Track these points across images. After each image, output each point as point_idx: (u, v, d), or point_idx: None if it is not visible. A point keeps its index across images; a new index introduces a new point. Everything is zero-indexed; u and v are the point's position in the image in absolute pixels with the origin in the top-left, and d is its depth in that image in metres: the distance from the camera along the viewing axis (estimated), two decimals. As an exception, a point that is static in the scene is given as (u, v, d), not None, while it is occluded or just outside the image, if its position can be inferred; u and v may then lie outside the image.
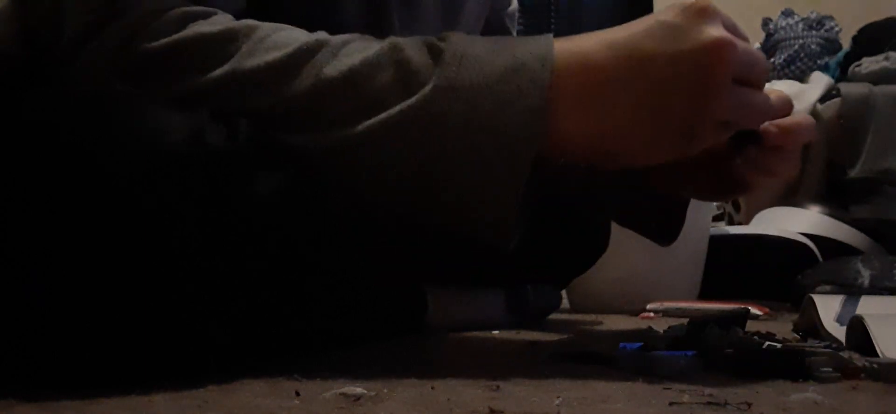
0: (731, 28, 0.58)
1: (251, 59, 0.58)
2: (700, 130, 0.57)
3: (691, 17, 0.56)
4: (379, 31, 0.64)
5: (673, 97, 0.57)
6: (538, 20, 3.26)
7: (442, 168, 0.56)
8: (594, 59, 0.57)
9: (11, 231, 0.50)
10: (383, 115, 0.56)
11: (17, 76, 0.55)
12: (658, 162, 0.61)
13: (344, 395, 0.49)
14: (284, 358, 0.62)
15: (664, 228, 0.80)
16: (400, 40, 0.59)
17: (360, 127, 0.57)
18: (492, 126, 0.55)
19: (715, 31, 0.56)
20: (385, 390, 0.52)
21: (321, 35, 0.60)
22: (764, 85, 0.61)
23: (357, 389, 0.50)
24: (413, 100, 0.56)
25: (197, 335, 0.55)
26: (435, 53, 0.58)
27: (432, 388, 0.53)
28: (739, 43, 0.57)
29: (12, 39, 0.64)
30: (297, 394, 0.50)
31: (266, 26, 0.60)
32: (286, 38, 0.59)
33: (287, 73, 0.58)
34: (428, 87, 0.56)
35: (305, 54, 0.58)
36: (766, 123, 0.65)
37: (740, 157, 0.68)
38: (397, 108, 0.56)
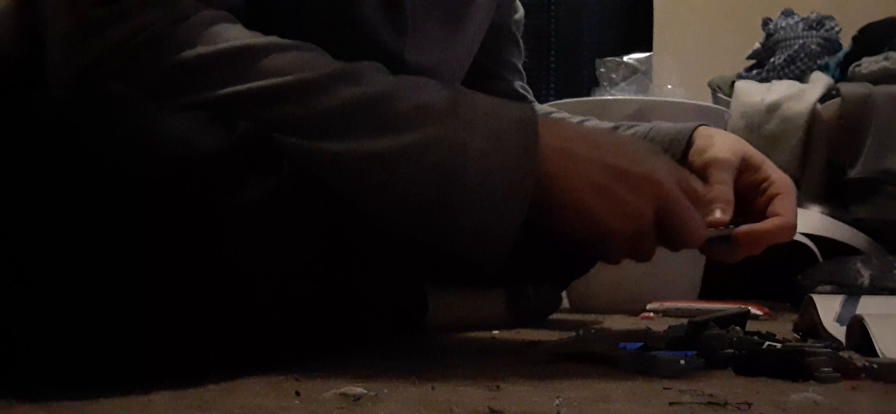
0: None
1: (278, 75, 0.59)
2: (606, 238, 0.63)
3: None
4: (393, 26, 0.65)
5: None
6: (538, 20, 3.26)
7: (457, 193, 0.59)
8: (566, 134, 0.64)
9: (7, 231, 0.50)
10: (407, 136, 0.59)
11: (18, 75, 0.55)
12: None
13: (344, 395, 0.49)
14: (284, 358, 0.62)
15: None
16: (416, 77, 0.63)
17: (384, 144, 0.58)
18: (502, 160, 0.59)
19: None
20: (385, 390, 0.52)
21: (341, 63, 0.62)
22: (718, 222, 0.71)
23: (357, 389, 0.50)
24: (435, 127, 0.59)
25: (196, 335, 0.55)
26: (451, 92, 0.62)
27: (432, 388, 0.53)
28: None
29: (14, 38, 0.64)
30: (297, 394, 0.50)
31: (284, 43, 0.61)
32: (310, 58, 0.61)
33: (317, 90, 0.59)
34: (449, 119, 0.59)
35: (335, 75, 0.60)
36: (743, 228, 0.72)
37: (711, 252, 0.73)
38: (420, 132, 0.59)
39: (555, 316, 1.20)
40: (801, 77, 2.01)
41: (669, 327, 0.78)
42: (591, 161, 0.62)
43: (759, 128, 1.88)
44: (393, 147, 0.59)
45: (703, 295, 1.50)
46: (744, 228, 0.72)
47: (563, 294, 1.35)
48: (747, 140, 1.84)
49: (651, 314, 1.31)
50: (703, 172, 0.76)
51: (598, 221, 0.62)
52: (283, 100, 0.59)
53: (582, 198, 0.62)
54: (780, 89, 1.92)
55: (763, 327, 0.87)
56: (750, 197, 0.78)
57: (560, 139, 0.62)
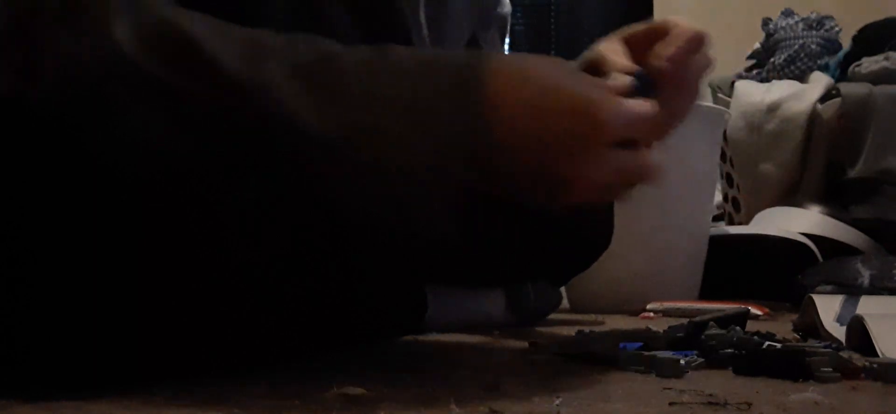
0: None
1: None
2: (569, 188, 0.57)
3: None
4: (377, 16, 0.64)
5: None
6: (538, 20, 3.25)
7: (381, 183, 0.54)
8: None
9: (7, 230, 0.50)
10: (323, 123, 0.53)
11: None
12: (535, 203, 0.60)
13: (344, 395, 0.49)
14: (284, 358, 0.62)
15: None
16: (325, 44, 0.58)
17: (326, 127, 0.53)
18: (430, 138, 0.54)
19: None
20: (385, 390, 0.52)
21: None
22: (654, 138, 0.60)
23: (357, 389, 0.50)
24: (348, 111, 0.54)
25: (196, 335, 0.55)
26: (366, 58, 0.56)
27: (432, 388, 0.53)
28: (620, 104, 0.56)
29: None
30: (298, 394, 0.50)
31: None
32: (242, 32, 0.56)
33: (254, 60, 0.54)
34: (363, 100, 0.54)
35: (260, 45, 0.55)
36: (661, 61, 0.64)
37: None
38: (336, 120, 0.53)
39: (555, 316, 1.20)
40: (801, 77, 2.01)
41: (669, 327, 0.78)
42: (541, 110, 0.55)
43: (759, 128, 1.88)
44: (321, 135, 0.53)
45: (703, 295, 1.49)
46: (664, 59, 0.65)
47: (563, 294, 1.35)
48: (747, 140, 1.82)
49: (651, 314, 1.31)
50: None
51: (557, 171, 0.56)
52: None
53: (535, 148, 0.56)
54: (780, 89, 1.92)
55: (763, 327, 0.87)
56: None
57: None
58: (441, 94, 0.55)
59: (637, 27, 0.69)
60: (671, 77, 0.65)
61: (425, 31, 0.79)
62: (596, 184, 0.57)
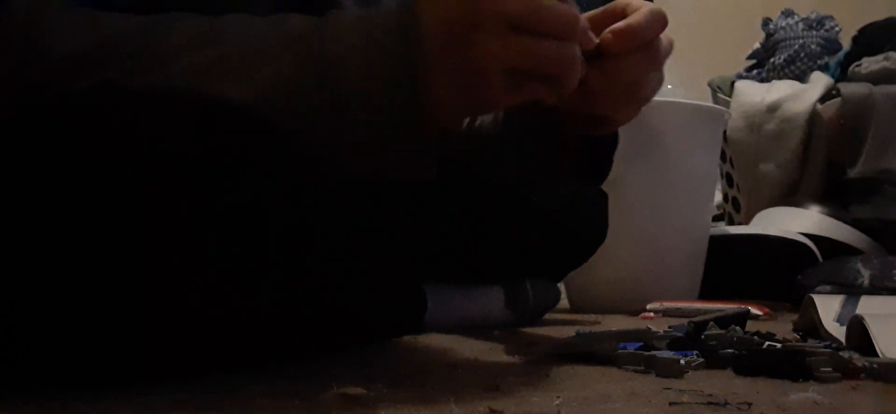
0: None
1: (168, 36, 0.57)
2: (484, 79, 0.57)
3: None
4: None
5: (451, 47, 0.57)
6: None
7: (344, 100, 0.56)
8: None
9: (7, 230, 0.50)
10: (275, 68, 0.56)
11: None
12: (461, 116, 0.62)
13: (344, 395, 0.49)
14: (284, 358, 0.62)
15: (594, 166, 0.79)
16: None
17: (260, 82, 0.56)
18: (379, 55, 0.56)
19: None
20: (385, 390, 0.52)
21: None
22: (568, 34, 0.59)
23: (357, 389, 0.50)
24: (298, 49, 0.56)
25: (196, 335, 0.55)
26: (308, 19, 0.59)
27: (432, 388, 0.53)
28: None
29: None
30: (298, 394, 0.50)
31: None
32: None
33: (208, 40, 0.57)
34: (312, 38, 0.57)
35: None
36: (605, 33, 0.64)
37: (586, 80, 0.64)
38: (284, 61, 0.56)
39: (554, 315, 1.20)
40: (801, 77, 2.01)
41: (669, 327, 0.78)
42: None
43: (759, 128, 1.88)
44: (269, 82, 0.56)
45: (703, 295, 1.49)
46: (608, 31, 0.65)
47: (563, 294, 1.35)
48: (747, 140, 1.83)
49: (651, 314, 1.31)
50: None
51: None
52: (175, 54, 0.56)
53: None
54: (780, 89, 1.92)
55: (763, 327, 0.87)
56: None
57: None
58: (379, 24, 0.57)
59: (595, 12, 0.69)
60: (618, 50, 0.64)
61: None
62: (498, 65, 0.57)
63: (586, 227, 1.11)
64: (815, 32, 2.07)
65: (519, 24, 0.57)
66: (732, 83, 2.07)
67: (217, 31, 0.57)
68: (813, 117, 1.85)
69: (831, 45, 2.07)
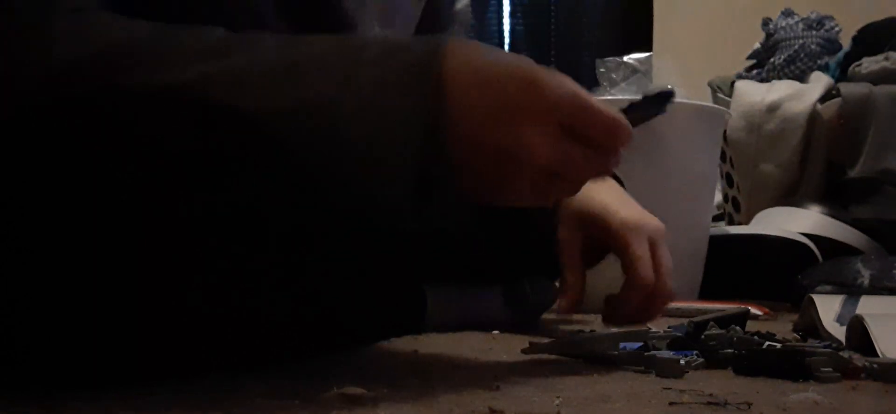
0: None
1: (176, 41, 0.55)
2: (515, 169, 0.54)
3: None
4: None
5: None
6: (538, 20, 3.25)
7: (337, 157, 0.53)
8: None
9: (7, 230, 0.50)
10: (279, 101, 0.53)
11: None
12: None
13: (344, 395, 0.49)
14: (284, 358, 0.62)
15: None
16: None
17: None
18: (385, 114, 0.53)
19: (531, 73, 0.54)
20: (385, 390, 0.52)
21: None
22: (614, 144, 0.58)
23: (357, 389, 0.50)
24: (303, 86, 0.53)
25: (196, 335, 0.55)
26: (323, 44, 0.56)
27: (432, 388, 0.53)
28: (568, 82, 0.55)
29: None
30: (297, 394, 0.50)
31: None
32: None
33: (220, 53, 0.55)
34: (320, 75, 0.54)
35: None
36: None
37: None
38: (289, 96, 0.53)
39: (554, 316, 1.20)
40: (801, 77, 2.01)
41: (669, 327, 0.78)
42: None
43: (759, 128, 1.88)
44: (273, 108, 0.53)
45: (703, 295, 1.49)
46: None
47: (563, 294, 1.35)
48: (747, 140, 1.83)
49: (651, 314, 1.31)
50: None
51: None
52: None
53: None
54: (780, 89, 1.92)
55: (763, 327, 0.87)
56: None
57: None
58: (400, 71, 0.53)
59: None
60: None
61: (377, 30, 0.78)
62: (539, 163, 0.54)
63: None
64: (815, 32, 2.07)
65: (569, 123, 0.54)
66: (732, 83, 2.07)
67: (230, 46, 0.55)
68: (813, 117, 1.85)
69: (831, 45, 2.07)
